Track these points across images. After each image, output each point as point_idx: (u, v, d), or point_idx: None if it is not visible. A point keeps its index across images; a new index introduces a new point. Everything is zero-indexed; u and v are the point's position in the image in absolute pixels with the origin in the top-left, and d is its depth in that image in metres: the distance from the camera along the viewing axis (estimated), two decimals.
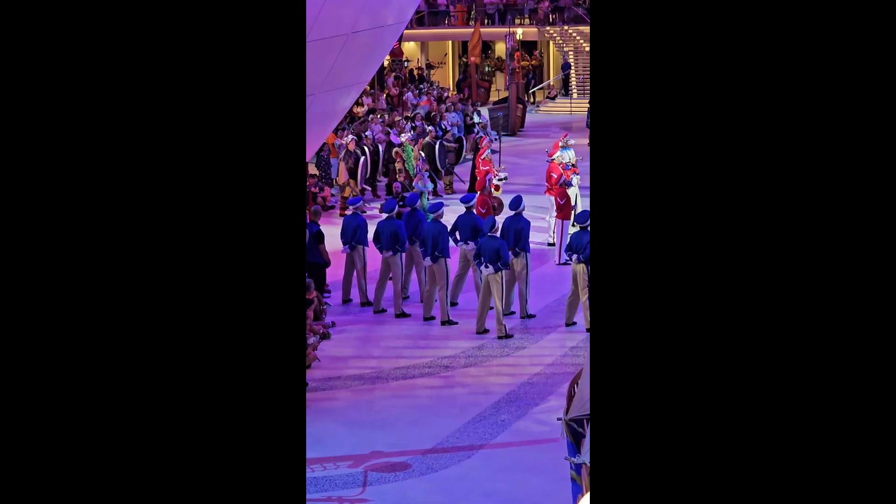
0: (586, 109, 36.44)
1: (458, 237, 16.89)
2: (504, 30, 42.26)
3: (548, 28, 45.13)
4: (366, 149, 25.20)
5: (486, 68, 45.98)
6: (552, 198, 20.24)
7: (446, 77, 47.29)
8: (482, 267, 15.82)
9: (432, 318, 16.68)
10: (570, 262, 16.48)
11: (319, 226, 16.88)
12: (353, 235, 17.25)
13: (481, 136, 27.32)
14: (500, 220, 16.72)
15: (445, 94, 36.16)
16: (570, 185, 20.24)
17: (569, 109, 41.93)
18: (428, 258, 16.44)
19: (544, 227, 20.85)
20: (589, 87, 42.34)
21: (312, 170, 24.33)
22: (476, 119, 31.51)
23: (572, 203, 20.14)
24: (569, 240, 16.88)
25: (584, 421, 9.31)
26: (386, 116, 29.82)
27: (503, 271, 15.91)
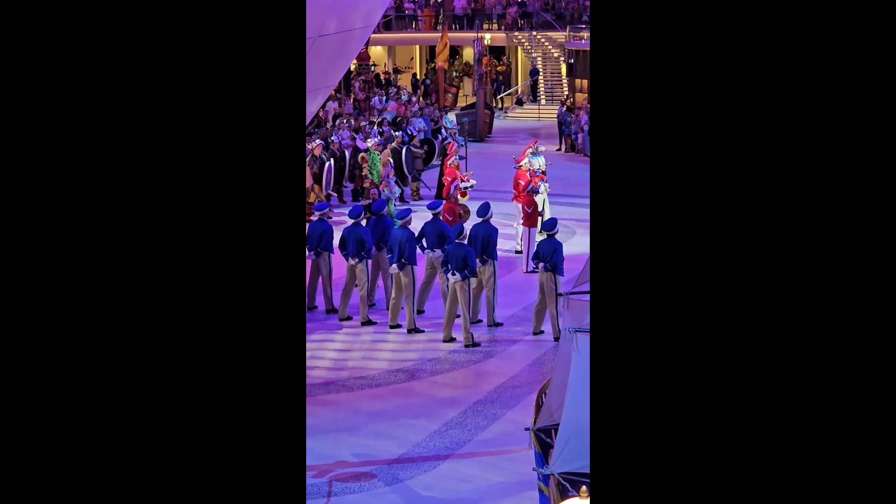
0: (556, 115, 36.49)
1: (425, 244, 16.79)
2: (472, 35, 42.26)
3: (516, 33, 45.15)
4: (332, 154, 25.07)
5: (454, 73, 45.92)
6: (520, 205, 20.18)
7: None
8: (449, 274, 15.73)
9: (398, 325, 16.56)
10: (537, 270, 16.41)
11: None
12: (318, 242, 17.11)
13: (449, 142, 27.23)
14: (467, 227, 16.63)
15: (414, 98, 36.13)
16: (537, 192, 20.17)
17: (537, 115, 41.95)
18: (395, 265, 16.33)
19: (512, 235, 20.78)
20: (556, 93, 42.41)
21: None
22: (447, 124, 31.43)
23: (540, 210, 20.08)
24: (536, 248, 16.81)
25: (552, 431, 9.25)
26: (352, 121, 29.69)
27: (470, 279, 15.83)
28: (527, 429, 9.84)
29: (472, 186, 21.64)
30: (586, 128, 32.73)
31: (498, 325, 16.66)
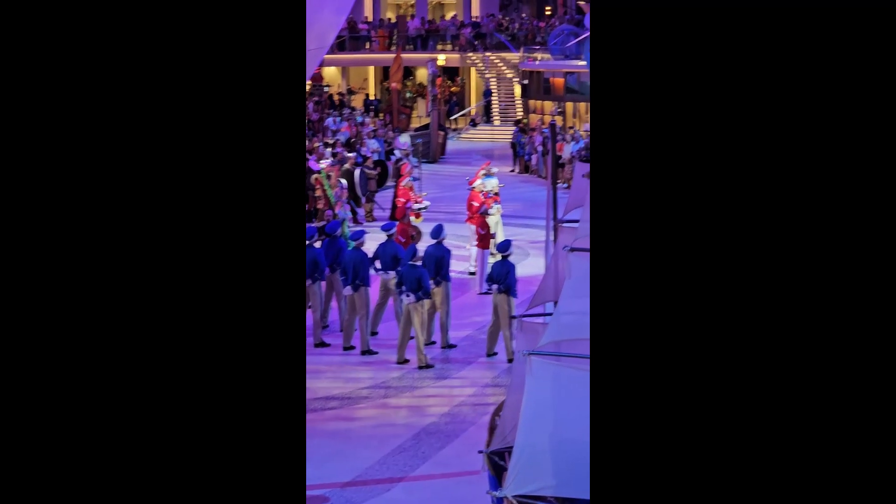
0: (510, 136, 36.61)
1: (379, 266, 16.77)
2: (426, 55, 42.38)
3: (470, 54, 45.31)
4: None
5: (408, 94, 46.00)
6: (473, 227, 20.21)
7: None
8: (403, 296, 15.71)
9: (352, 347, 16.51)
10: (490, 291, 16.43)
11: None
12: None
13: (403, 163, 27.25)
14: (421, 248, 16.63)
15: (368, 119, 36.12)
16: (490, 213, 20.22)
17: (491, 137, 42.07)
18: (349, 287, 16.29)
19: (465, 256, 20.80)
20: (510, 114, 42.57)
21: None
22: (401, 145, 31.46)
23: (493, 232, 20.13)
24: (490, 269, 16.83)
25: (506, 454, 9.24)
26: (306, 142, 29.63)
27: (424, 300, 15.82)
28: (480, 451, 9.83)
29: (425, 208, 21.65)
30: (540, 149, 32.86)
31: (452, 346, 16.65)
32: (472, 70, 46.56)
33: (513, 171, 34.56)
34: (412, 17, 48.37)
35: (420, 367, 15.68)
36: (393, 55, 41.35)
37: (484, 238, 19.69)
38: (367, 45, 46.96)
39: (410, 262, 15.76)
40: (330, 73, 46.78)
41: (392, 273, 16.56)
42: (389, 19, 48.38)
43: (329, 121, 35.59)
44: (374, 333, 16.96)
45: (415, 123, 42.98)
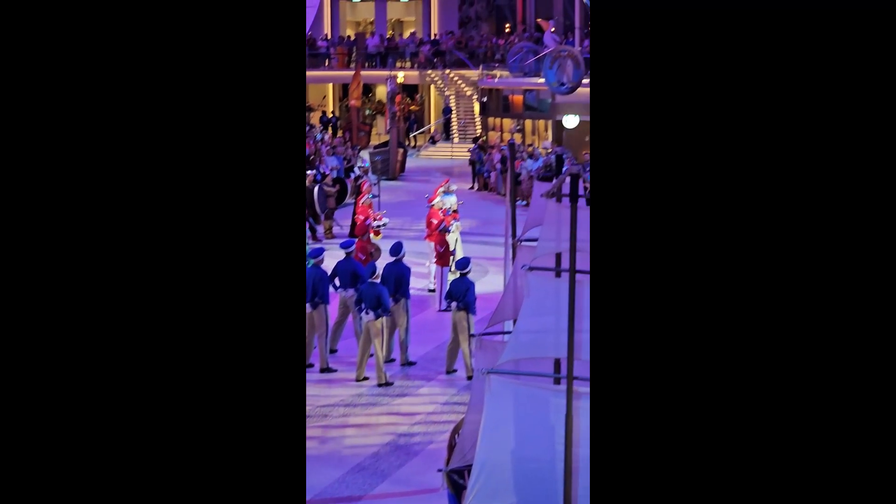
0: (469, 153, 36.69)
1: (338, 283, 16.75)
2: (385, 73, 42.40)
3: (429, 72, 45.39)
4: None
5: (367, 112, 46.01)
6: (432, 244, 20.24)
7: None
8: (363, 314, 15.71)
9: (311, 365, 16.46)
10: (450, 309, 16.45)
11: None
12: None
13: (362, 181, 27.25)
14: (380, 265, 16.63)
15: (327, 137, 36.08)
16: (449, 231, 20.26)
17: (450, 154, 42.14)
18: (308, 304, 16.26)
19: (425, 274, 20.82)
20: (469, 132, 42.65)
21: None
22: (360, 163, 31.47)
23: (452, 249, 20.16)
24: (449, 286, 16.86)
25: (465, 472, 9.26)
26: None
27: (384, 318, 15.82)
28: (440, 470, 9.85)
29: (384, 225, 21.66)
30: (499, 166, 32.96)
31: (411, 364, 16.65)
32: (432, 87, 46.64)
33: (472, 188, 34.63)
34: (371, 34, 48.41)
35: (379, 385, 15.66)
36: (352, 72, 41.36)
37: (443, 255, 19.72)
38: (327, 63, 46.94)
39: (370, 280, 15.77)
40: None
41: (351, 290, 16.56)
42: (349, 37, 48.40)
43: None
44: (333, 351, 16.93)
45: (374, 141, 42.99)
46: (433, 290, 20.21)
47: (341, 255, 17.02)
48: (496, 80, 39.90)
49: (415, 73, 45.68)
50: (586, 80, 32.54)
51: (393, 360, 16.64)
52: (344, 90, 46.18)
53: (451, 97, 44.80)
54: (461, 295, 15.92)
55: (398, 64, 45.92)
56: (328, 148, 32.73)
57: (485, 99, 39.97)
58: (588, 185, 7.98)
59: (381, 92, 45.89)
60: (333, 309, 16.97)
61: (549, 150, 32.28)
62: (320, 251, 16.89)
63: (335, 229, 26.48)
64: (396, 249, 16.81)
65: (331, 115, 46.08)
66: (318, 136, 35.80)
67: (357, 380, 15.87)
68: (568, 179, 7.74)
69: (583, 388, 7.90)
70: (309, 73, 46.52)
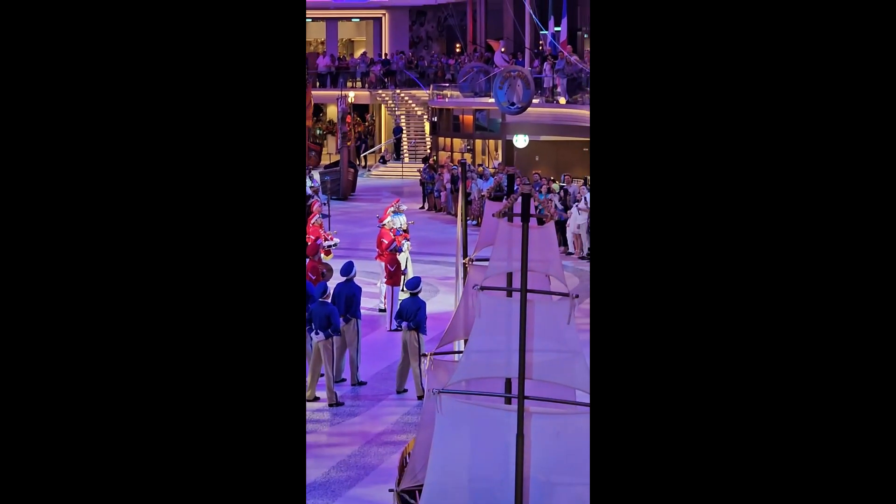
0: (419, 173, 36.73)
1: None
2: (336, 93, 42.38)
3: (380, 91, 45.42)
4: None
5: (318, 131, 45.93)
6: (383, 264, 20.22)
7: None
8: (313, 334, 15.65)
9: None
10: (400, 328, 16.44)
11: None
12: None
13: (312, 200, 27.19)
14: (330, 285, 16.59)
15: None
16: (400, 250, 20.26)
17: (400, 174, 42.17)
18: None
19: (375, 293, 20.79)
20: (420, 151, 42.70)
21: None
22: (310, 182, 31.38)
23: (403, 269, 20.15)
24: (399, 306, 16.85)
25: (416, 492, 9.24)
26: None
27: (334, 338, 15.77)
28: (391, 490, 9.82)
29: (335, 245, 21.61)
30: (449, 186, 33.02)
31: (362, 383, 16.61)
32: (382, 107, 46.67)
33: (422, 208, 34.66)
34: (322, 54, 48.36)
35: (330, 405, 15.61)
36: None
37: (394, 275, 19.71)
38: None
39: (320, 300, 15.72)
40: None
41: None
42: None
43: None
44: None
45: (325, 160, 42.91)
46: (384, 310, 20.18)
47: None
48: (447, 99, 39.99)
49: (365, 92, 45.70)
50: (536, 100, 32.73)
51: (343, 380, 16.60)
52: None
53: (402, 117, 44.86)
54: (412, 314, 15.92)
55: (349, 84, 45.91)
56: None
57: (435, 119, 40.04)
58: (538, 203, 7.98)
59: (332, 112, 45.87)
60: None
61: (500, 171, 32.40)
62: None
63: None
64: (347, 269, 16.78)
65: None
66: None
67: (308, 400, 15.78)
68: (519, 199, 7.76)
69: (534, 408, 7.91)
70: None
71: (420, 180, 36.13)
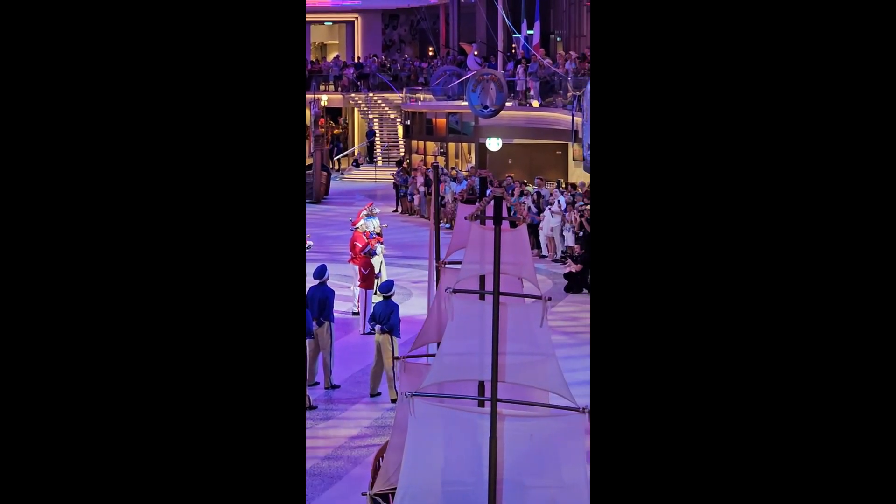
0: (392, 176, 36.70)
1: None
2: (309, 96, 42.30)
3: (353, 95, 45.39)
4: None
5: None
6: (356, 267, 20.20)
7: None
8: None
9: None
10: (373, 332, 16.42)
11: None
12: None
13: None
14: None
15: None
16: (374, 253, 20.24)
17: (374, 177, 42.14)
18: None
19: (349, 297, 20.75)
20: (393, 155, 42.68)
21: None
22: None
23: (376, 272, 20.14)
24: (373, 309, 16.83)
25: (389, 495, 9.23)
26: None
27: (307, 341, 15.74)
28: (364, 493, 9.79)
29: (309, 248, 21.56)
30: (422, 189, 33.01)
31: (335, 387, 16.58)
32: (355, 110, 46.64)
33: (396, 211, 34.64)
34: None
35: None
36: None
37: (367, 278, 19.69)
38: None
39: None
40: None
41: None
42: None
43: None
44: None
45: None
46: (357, 313, 20.15)
47: None
48: (420, 103, 40.00)
49: (338, 96, 45.65)
50: (509, 104, 32.77)
51: (317, 384, 16.56)
52: None
53: (375, 120, 44.83)
54: (385, 318, 15.91)
55: (322, 87, 45.85)
56: None
57: (408, 122, 40.05)
58: (511, 206, 7.99)
59: (305, 115, 45.81)
60: None
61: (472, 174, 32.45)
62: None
63: None
64: (320, 272, 16.76)
65: None
66: None
67: None
68: (492, 202, 7.76)
69: (507, 411, 7.92)
70: None
71: (393, 183, 36.12)
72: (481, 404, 8.40)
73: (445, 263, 9.98)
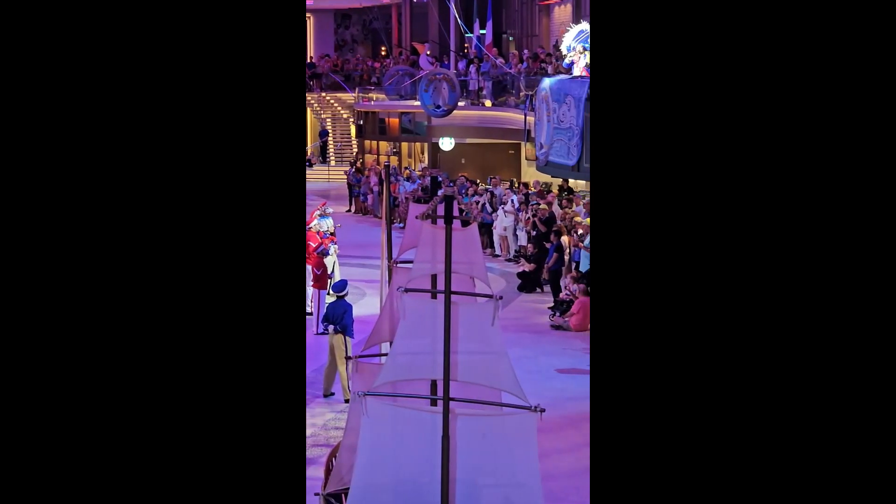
0: (345, 176, 36.64)
1: None
2: None
3: (305, 94, 45.23)
4: None
5: None
6: (309, 267, 20.14)
7: None
8: None
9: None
10: (327, 332, 16.37)
11: None
12: None
13: None
14: None
15: None
16: (327, 253, 20.18)
17: (327, 177, 42.04)
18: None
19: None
20: (346, 154, 42.60)
21: None
22: None
23: (329, 272, 20.08)
24: (326, 309, 16.78)
25: (342, 495, 9.22)
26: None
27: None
28: (317, 493, 9.78)
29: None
30: (375, 189, 32.97)
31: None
32: (308, 110, 46.52)
33: (349, 211, 34.59)
34: None
35: None
36: None
37: (320, 278, 19.64)
38: None
39: None
40: None
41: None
42: None
43: None
44: None
45: None
46: (310, 313, 20.08)
47: None
48: (372, 102, 39.95)
49: None
50: (462, 103, 32.80)
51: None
52: None
53: (328, 120, 44.73)
54: (338, 318, 15.86)
55: None
56: None
57: (361, 122, 39.98)
58: (463, 206, 8.01)
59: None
60: None
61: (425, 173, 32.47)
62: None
63: None
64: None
65: None
66: None
67: None
68: (443, 202, 7.78)
69: (459, 409, 7.93)
70: None
71: (347, 183, 36.06)
72: (434, 403, 8.41)
73: (397, 263, 9.98)
